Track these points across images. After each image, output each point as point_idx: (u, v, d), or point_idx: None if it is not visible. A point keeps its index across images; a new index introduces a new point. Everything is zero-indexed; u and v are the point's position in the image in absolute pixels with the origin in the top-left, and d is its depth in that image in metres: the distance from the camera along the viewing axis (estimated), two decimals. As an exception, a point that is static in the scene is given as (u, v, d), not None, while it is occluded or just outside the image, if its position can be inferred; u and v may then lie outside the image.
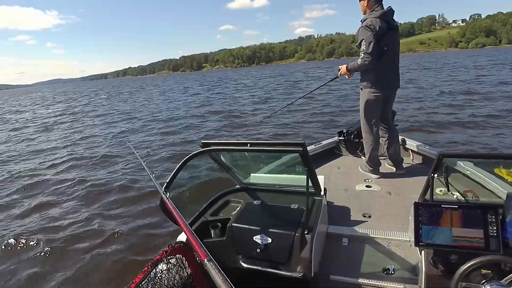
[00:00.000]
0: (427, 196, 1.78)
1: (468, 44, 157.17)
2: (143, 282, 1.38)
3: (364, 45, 2.70)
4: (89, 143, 9.42)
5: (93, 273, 3.09)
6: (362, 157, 3.38)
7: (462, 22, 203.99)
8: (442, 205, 1.58)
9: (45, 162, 7.59)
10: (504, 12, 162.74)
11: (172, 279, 1.51)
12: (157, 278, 1.44)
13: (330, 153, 3.71)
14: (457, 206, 1.56)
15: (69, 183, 5.68)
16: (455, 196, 2.06)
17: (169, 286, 1.47)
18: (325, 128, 8.57)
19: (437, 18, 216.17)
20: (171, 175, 1.64)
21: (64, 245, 3.59)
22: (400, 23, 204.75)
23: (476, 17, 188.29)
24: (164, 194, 1.51)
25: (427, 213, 1.59)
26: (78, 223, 4.07)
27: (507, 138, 6.50)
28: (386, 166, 3.21)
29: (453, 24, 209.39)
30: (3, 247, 3.68)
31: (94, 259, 3.29)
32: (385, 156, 3.24)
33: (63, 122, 14.88)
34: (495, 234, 1.47)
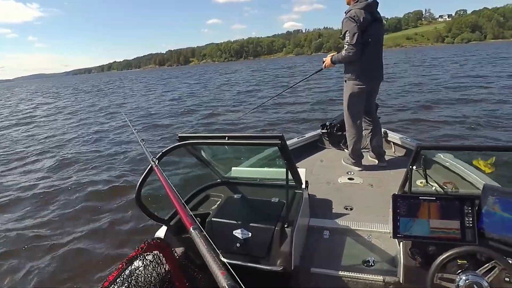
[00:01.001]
0: (406, 188, 1.78)
1: (454, 39, 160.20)
2: (117, 280, 1.34)
3: (348, 37, 2.67)
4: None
5: (62, 271, 3.00)
6: (345, 149, 3.38)
7: (448, 17, 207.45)
8: (420, 197, 1.58)
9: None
10: (490, 8, 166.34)
11: (149, 276, 1.47)
12: (132, 275, 1.39)
13: (313, 146, 3.70)
14: (434, 198, 1.57)
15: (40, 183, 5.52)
16: (434, 188, 2.08)
17: (145, 283, 1.43)
18: (308, 121, 8.60)
19: (423, 13, 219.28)
20: (145, 172, 1.58)
21: (29, 241, 3.50)
22: (387, 18, 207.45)
23: (462, 13, 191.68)
24: (153, 161, 1.49)
25: (405, 205, 1.59)
26: (43, 220, 3.98)
27: (486, 130, 6.65)
28: (369, 158, 3.22)
29: (439, 19, 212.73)
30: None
31: (65, 255, 3.21)
32: (368, 149, 3.24)
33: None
34: (471, 225, 1.48)
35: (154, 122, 10.63)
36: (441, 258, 1.37)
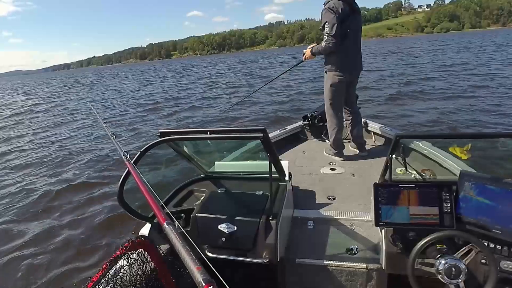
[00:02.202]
0: (387, 177, 1.80)
1: (433, 29, 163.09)
2: (102, 280, 1.30)
3: (328, 28, 2.67)
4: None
5: (44, 272, 2.95)
6: (327, 140, 3.40)
7: (427, 7, 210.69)
8: (400, 185, 1.61)
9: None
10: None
11: (134, 274, 1.44)
12: (117, 275, 1.37)
13: (295, 138, 3.72)
14: (414, 185, 1.60)
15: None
16: (413, 175, 2.12)
17: (131, 282, 1.41)
18: (290, 113, 8.61)
19: (403, 3, 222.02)
20: (126, 170, 1.55)
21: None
22: (368, 9, 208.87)
23: (440, 3, 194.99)
24: (125, 156, 1.47)
25: (386, 193, 1.62)
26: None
27: (461, 117, 6.85)
28: (350, 148, 3.25)
29: (418, 9, 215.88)
30: None
31: (45, 258, 3.14)
32: (349, 139, 3.27)
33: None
34: (449, 211, 1.52)
35: (129, 118, 10.47)
36: (421, 243, 1.40)
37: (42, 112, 14.30)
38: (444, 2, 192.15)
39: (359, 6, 2.91)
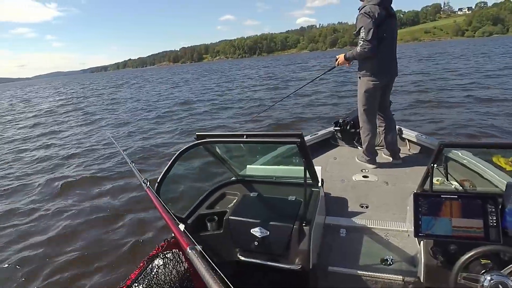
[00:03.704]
0: (426, 186, 1.74)
1: (474, 33, 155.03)
2: (139, 278, 1.36)
3: (363, 33, 2.63)
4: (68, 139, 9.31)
5: (83, 271, 3.05)
6: (359, 147, 3.34)
7: (468, 10, 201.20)
8: (442, 196, 1.55)
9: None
10: None
11: (169, 274, 1.48)
12: (153, 273, 1.41)
13: (326, 144, 3.67)
14: (456, 196, 1.54)
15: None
16: (453, 186, 2.04)
17: (166, 281, 1.45)
18: (321, 119, 8.49)
19: (442, 6, 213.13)
20: (164, 170, 1.60)
21: (51, 245, 3.53)
22: (404, 12, 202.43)
23: (483, 5, 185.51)
24: (144, 183, 1.49)
25: (427, 203, 1.57)
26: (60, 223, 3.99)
27: (505, 126, 6.44)
28: (383, 156, 3.17)
29: (459, 12, 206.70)
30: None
31: (85, 256, 3.25)
32: (382, 146, 3.20)
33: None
34: (495, 224, 1.45)
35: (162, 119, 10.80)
36: (465, 257, 1.34)
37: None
38: (487, 4, 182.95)
39: (395, 9, 2.85)
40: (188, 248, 0.92)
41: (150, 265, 1.44)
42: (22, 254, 3.42)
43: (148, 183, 1.51)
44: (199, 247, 0.93)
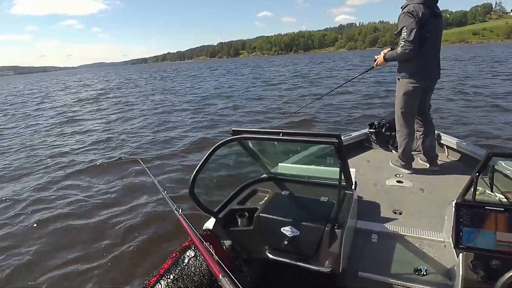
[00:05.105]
0: (467, 196, 1.65)
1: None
2: (171, 268, 1.40)
3: (405, 33, 2.53)
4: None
5: (116, 264, 3.12)
6: (393, 151, 3.24)
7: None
8: (487, 207, 1.48)
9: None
10: None
11: (200, 265, 1.50)
12: (184, 264, 1.45)
13: (360, 146, 3.59)
14: (503, 209, 1.45)
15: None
16: (497, 198, 1.92)
17: (196, 273, 1.48)
18: (355, 120, 8.28)
19: (493, 6, 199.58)
20: (200, 163, 1.60)
21: (88, 242, 3.59)
22: (451, 12, 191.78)
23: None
24: (176, 211, 1.51)
25: (469, 214, 1.50)
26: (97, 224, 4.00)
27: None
28: (419, 161, 3.05)
29: (511, 14, 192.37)
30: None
31: (117, 251, 3.31)
32: (419, 151, 3.07)
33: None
34: None
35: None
36: (510, 274, 1.25)
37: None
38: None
39: (441, 8, 2.71)
40: (220, 275, 0.93)
41: (182, 256, 1.47)
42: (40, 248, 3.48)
43: (181, 210, 1.52)
44: (231, 275, 0.94)
